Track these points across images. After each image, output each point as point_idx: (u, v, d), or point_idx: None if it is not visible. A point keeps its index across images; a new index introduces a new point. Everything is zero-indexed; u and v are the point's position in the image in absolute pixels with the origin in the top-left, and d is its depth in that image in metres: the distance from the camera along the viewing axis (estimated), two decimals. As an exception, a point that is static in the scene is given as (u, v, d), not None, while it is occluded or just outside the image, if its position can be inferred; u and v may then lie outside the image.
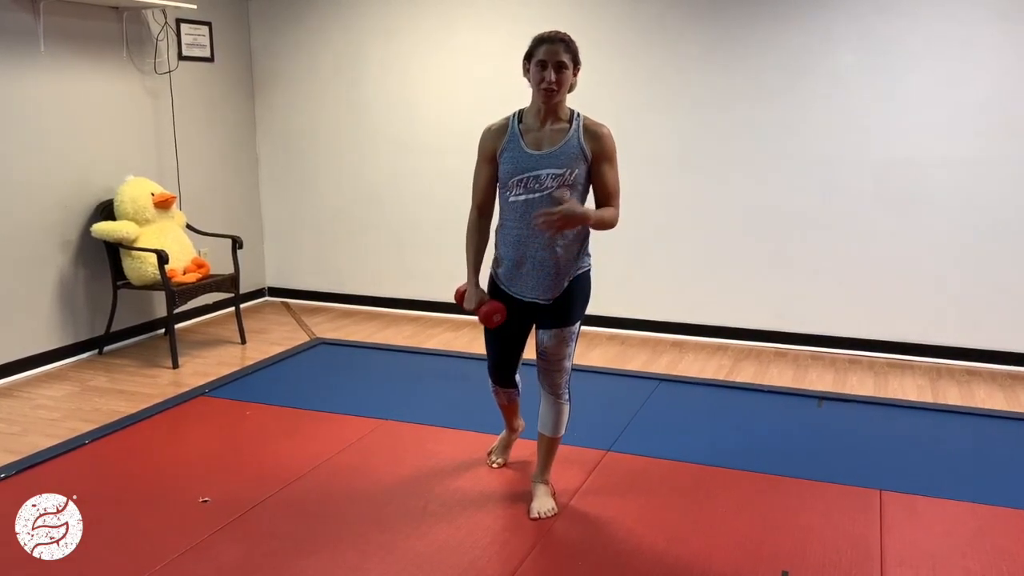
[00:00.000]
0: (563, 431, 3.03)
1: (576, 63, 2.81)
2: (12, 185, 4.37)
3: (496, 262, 2.93)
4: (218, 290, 4.95)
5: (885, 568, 2.62)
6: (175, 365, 4.62)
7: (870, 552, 2.71)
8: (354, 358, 4.82)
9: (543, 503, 2.98)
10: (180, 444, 3.59)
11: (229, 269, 5.07)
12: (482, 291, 2.93)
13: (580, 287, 2.88)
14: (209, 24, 5.49)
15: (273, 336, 5.26)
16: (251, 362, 4.69)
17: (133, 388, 4.29)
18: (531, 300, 2.86)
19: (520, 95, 5.48)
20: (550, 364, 2.90)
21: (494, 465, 3.34)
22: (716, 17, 4.80)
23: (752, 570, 2.62)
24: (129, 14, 4.92)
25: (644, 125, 5.04)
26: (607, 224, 2.80)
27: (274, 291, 6.21)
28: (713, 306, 5.09)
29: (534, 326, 2.93)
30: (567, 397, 2.99)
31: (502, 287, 2.90)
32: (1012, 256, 4.50)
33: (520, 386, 3.16)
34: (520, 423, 3.38)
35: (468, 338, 5.13)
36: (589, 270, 2.93)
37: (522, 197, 2.78)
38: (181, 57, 5.29)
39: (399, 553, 2.72)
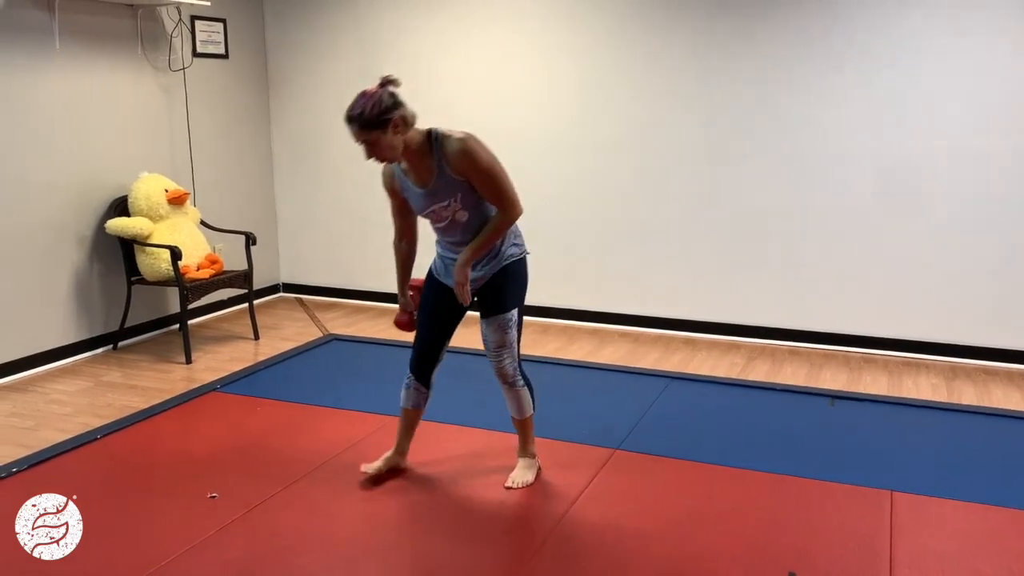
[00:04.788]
0: (529, 412, 3.13)
1: (383, 124, 2.66)
2: (28, 182, 4.41)
3: (436, 254, 3.09)
4: (231, 286, 4.97)
5: (894, 570, 2.59)
6: (188, 361, 4.65)
7: (879, 553, 2.68)
8: (366, 354, 4.83)
9: (520, 475, 3.16)
10: (191, 439, 3.60)
11: (243, 265, 5.10)
12: (405, 302, 3.14)
13: (509, 275, 2.95)
14: (224, 21, 5.51)
15: (286, 332, 5.28)
16: (264, 358, 4.71)
17: (146, 383, 4.32)
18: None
19: (530, 90, 5.47)
20: (493, 353, 3.00)
21: (369, 470, 3.16)
22: (735, 10, 4.76)
23: (759, 570, 2.60)
24: (144, 11, 4.94)
25: (658, 119, 5.01)
26: (495, 236, 2.84)
27: (288, 287, 6.23)
28: (727, 303, 5.05)
29: (478, 318, 3.03)
30: (521, 383, 3.07)
31: (436, 274, 3.07)
32: (1031, 254, 4.43)
33: (429, 395, 3.19)
34: (406, 455, 3.25)
35: (479, 335, 5.11)
36: (520, 259, 2.99)
37: (436, 225, 2.93)
38: (195, 54, 5.31)
39: (404, 549, 2.72)
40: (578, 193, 5.27)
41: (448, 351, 4.72)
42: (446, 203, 2.80)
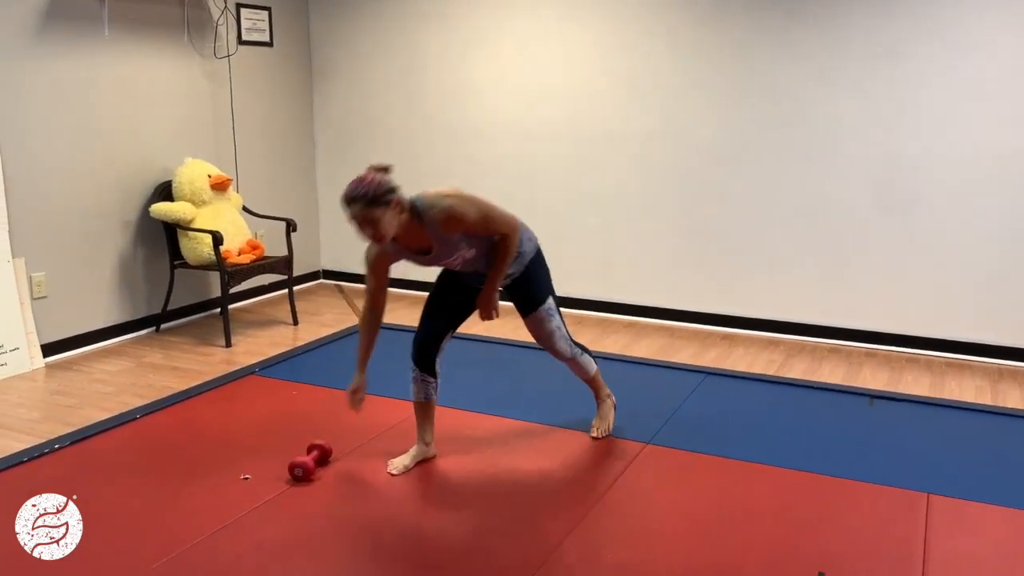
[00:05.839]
0: (593, 371, 3.40)
1: (387, 203, 2.70)
2: (75, 166, 4.51)
3: None
4: (272, 272, 5.04)
5: (927, 573, 2.54)
6: (228, 344, 4.72)
7: (912, 556, 2.63)
8: (400, 342, 4.80)
9: (600, 423, 3.46)
10: (227, 421, 3.66)
11: (284, 251, 5.16)
12: (364, 380, 3.15)
13: (530, 271, 3.10)
14: (269, 9, 5.57)
15: (325, 318, 5.33)
16: (302, 343, 4.77)
17: (186, 365, 4.40)
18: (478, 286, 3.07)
19: (569, 85, 5.41)
20: (544, 342, 3.22)
21: (393, 471, 3.14)
22: (772, 8, 4.68)
23: (788, 570, 2.56)
24: (191, -1, 5.03)
25: (695, 113, 4.96)
26: (509, 258, 2.94)
27: (329, 274, 6.30)
28: (766, 299, 4.98)
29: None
30: (579, 352, 3.31)
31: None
32: (1083, 255, 4.30)
33: (438, 383, 3.20)
34: (432, 444, 3.26)
35: (512, 326, 5.09)
36: (535, 253, 3.12)
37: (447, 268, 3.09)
38: (241, 42, 5.38)
39: (431, 538, 2.74)
40: (614, 187, 5.23)
41: (480, 341, 4.78)
42: (455, 257, 2.93)
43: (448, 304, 3.15)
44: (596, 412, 3.50)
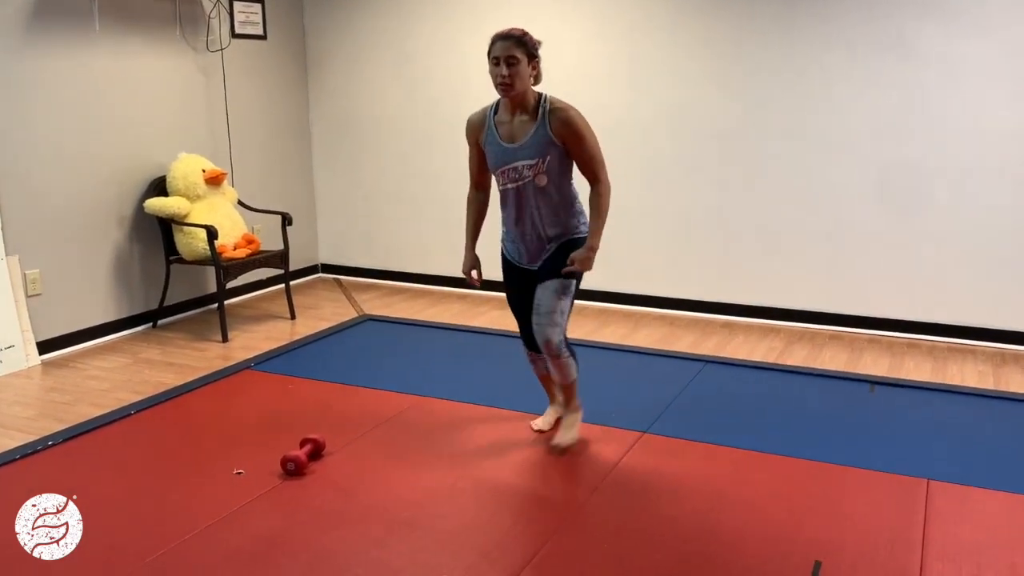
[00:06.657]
0: (573, 378, 3.19)
1: (531, 56, 2.91)
2: (68, 162, 4.48)
3: (503, 237, 3.21)
4: (267, 266, 5.01)
5: (925, 560, 2.51)
6: (224, 339, 4.70)
7: (911, 543, 2.60)
8: (400, 335, 4.84)
9: (564, 435, 3.23)
10: (221, 416, 3.65)
11: (280, 245, 5.13)
12: (475, 257, 3.26)
13: (572, 245, 3.04)
14: (262, 2, 5.53)
15: (322, 312, 5.31)
16: (299, 337, 4.74)
17: (183, 361, 4.38)
18: (530, 268, 3.13)
19: (569, 74, 5.39)
20: (542, 318, 3.03)
21: (535, 427, 3.40)
22: (772, -13, 4.64)
23: (784, 558, 2.53)
24: (182, -8, 4.99)
25: (696, 102, 4.91)
26: (605, 211, 2.99)
27: (327, 267, 6.27)
28: (766, 286, 4.94)
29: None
30: (567, 353, 3.12)
31: (509, 257, 3.21)
32: (1086, 237, 4.25)
33: None
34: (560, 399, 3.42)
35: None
36: (583, 236, 3.07)
37: (509, 186, 3.02)
38: (234, 35, 5.34)
39: (424, 530, 2.71)
40: (613, 175, 5.15)
41: (472, 332, 4.76)
42: (533, 161, 2.93)
43: (524, 292, 3.17)
44: (562, 421, 3.30)
